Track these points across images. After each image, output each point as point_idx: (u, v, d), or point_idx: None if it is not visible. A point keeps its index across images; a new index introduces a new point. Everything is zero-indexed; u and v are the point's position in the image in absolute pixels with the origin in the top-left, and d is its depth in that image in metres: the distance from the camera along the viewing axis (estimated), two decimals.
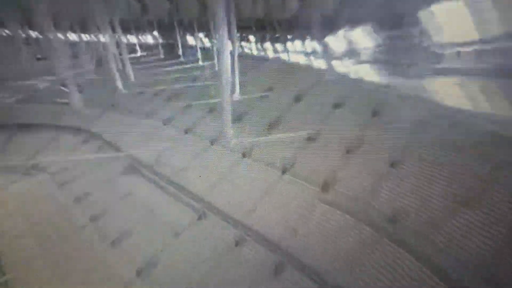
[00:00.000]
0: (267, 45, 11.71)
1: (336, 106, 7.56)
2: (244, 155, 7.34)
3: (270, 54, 11.70)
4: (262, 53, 11.98)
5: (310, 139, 6.93)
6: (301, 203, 5.94)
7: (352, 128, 6.71)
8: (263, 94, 9.01)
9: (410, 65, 7.57)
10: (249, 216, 6.13)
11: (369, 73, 8.36)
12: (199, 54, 13.72)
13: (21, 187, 10.47)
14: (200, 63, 13.54)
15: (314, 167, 6.37)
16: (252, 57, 12.65)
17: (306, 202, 5.91)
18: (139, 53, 16.94)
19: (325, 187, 5.95)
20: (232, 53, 8.54)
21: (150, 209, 7.36)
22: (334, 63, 9.58)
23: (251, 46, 12.78)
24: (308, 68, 9.97)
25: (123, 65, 12.44)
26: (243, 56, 10.86)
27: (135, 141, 9.94)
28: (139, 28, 16.85)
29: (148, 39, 17.23)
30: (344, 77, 8.65)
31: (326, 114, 7.42)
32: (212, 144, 8.28)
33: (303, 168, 6.45)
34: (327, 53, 9.83)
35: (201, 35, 13.87)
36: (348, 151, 6.34)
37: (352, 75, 8.58)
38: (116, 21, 12.39)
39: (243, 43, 12.90)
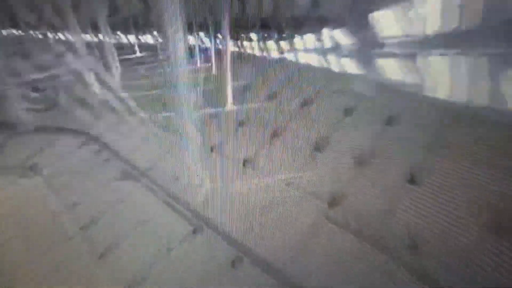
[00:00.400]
0: (271, 44, 11.16)
1: (347, 112, 6.99)
2: (245, 164, 6.79)
3: (275, 54, 11.20)
4: (265, 53, 11.52)
5: (317, 148, 6.37)
6: (306, 220, 5.38)
7: (363, 137, 6.15)
8: (263, 101, 8.45)
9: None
10: (248, 234, 5.57)
11: (388, 72, 7.78)
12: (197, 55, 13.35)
13: (16, 190, 10.15)
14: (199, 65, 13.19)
15: (322, 180, 5.80)
16: (253, 57, 12.09)
17: (312, 219, 5.35)
18: (138, 54, 16.63)
19: (333, 203, 5.37)
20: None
21: (143, 219, 6.83)
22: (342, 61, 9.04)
23: (253, 46, 12.29)
24: (316, 69, 9.44)
25: (109, 66, 12.06)
26: (244, 57, 10.38)
27: (131, 144, 9.50)
28: (138, 28, 16.51)
29: (148, 39, 16.87)
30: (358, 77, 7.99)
31: (335, 122, 6.85)
32: (211, 151, 7.75)
33: (309, 181, 5.89)
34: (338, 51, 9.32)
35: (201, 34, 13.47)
36: (359, 163, 5.77)
37: (365, 76, 7.98)
38: (102, 20, 12.01)
39: (245, 43, 12.45)
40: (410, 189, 5.08)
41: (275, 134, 7.44)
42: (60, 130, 12.22)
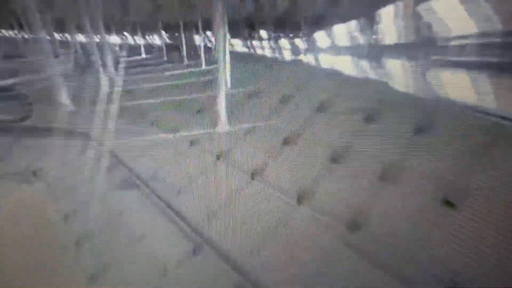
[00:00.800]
0: (284, 44, 10.35)
1: (369, 119, 6.20)
2: (253, 177, 6.10)
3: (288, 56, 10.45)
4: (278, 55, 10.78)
5: (333, 160, 5.62)
6: (320, 245, 4.63)
7: (389, 149, 5.36)
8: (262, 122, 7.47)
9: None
10: (253, 258, 4.87)
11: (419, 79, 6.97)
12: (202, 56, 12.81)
13: (15, 197, 9.72)
14: (204, 66, 12.55)
15: (339, 198, 5.05)
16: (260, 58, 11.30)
17: (327, 244, 4.59)
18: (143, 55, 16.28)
19: (353, 226, 4.61)
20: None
21: (140, 235, 6.23)
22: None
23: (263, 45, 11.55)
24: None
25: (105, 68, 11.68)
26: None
27: (135, 150, 8.97)
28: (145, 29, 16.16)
29: (155, 40, 16.45)
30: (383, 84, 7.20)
31: (355, 130, 6.08)
32: (218, 159, 7.09)
33: (324, 199, 5.14)
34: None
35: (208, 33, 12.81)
36: (383, 179, 4.99)
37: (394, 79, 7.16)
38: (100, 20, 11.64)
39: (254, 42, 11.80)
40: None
41: (288, 142, 6.74)
42: (67, 133, 11.91)
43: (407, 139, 5.41)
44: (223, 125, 7.45)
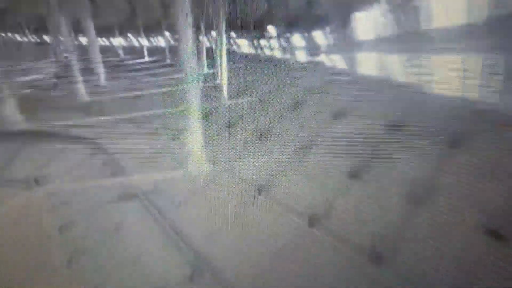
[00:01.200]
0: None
1: (392, 128, 5.46)
2: (260, 192, 5.45)
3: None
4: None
5: (352, 176, 4.93)
6: (337, 276, 3.94)
7: (415, 164, 4.63)
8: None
9: None
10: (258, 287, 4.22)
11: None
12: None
13: (16, 204, 9.35)
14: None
15: (358, 221, 4.35)
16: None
17: (345, 275, 3.90)
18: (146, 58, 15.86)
19: (376, 257, 3.91)
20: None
21: (136, 255, 5.67)
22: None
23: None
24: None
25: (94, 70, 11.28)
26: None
27: (138, 158, 8.48)
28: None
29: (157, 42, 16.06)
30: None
31: (375, 141, 5.36)
32: (223, 172, 6.47)
33: (340, 222, 4.45)
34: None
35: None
36: (412, 202, 4.26)
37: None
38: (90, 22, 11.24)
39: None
40: None
41: (301, 151, 6.07)
42: (71, 138, 11.57)
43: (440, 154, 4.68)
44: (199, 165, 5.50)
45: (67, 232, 7.17)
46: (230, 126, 6.83)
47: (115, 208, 7.38)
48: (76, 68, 10.64)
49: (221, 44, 7.83)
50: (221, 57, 7.58)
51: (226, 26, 8.34)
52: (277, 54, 9.65)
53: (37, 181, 10.17)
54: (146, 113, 9.33)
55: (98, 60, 11.51)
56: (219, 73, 8.18)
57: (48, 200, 8.50)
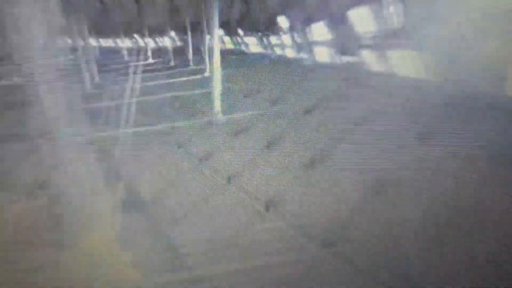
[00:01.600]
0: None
1: (424, 138, 4.68)
2: (267, 209, 4.79)
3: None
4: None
5: (377, 193, 4.20)
6: None
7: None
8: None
9: None
10: None
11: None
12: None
13: (16, 212, 9.00)
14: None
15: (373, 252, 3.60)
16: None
17: None
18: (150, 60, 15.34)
19: None
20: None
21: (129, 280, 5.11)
22: None
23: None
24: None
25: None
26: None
27: (142, 164, 8.07)
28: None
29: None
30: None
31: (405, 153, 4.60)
32: (228, 182, 5.84)
33: (357, 247, 3.72)
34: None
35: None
36: (442, 237, 3.49)
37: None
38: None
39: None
40: None
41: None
42: (80, 143, 11.26)
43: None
44: None
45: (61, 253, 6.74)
46: None
47: None
48: None
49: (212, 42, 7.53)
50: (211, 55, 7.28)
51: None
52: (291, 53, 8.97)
53: (41, 186, 9.85)
54: None
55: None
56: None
57: None
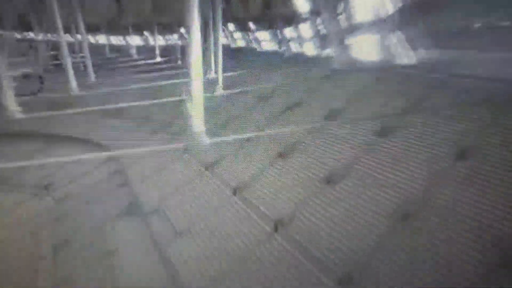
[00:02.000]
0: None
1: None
2: (276, 229, 4.28)
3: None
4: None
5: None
6: None
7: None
8: None
9: None
10: None
11: None
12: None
13: (21, 212, 8.91)
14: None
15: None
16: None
17: None
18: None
19: None
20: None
21: None
22: None
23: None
24: None
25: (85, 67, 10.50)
26: None
27: (146, 169, 7.73)
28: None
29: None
30: None
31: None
32: (234, 195, 5.34)
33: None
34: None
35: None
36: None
37: None
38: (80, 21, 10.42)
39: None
40: None
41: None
42: (85, 143, 11.01)
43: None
44: None
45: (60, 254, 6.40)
46: None
47: None
48: None
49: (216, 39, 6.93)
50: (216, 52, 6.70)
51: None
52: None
53: (46, 188, 9.68)
54: None
55: None
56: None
57: None
